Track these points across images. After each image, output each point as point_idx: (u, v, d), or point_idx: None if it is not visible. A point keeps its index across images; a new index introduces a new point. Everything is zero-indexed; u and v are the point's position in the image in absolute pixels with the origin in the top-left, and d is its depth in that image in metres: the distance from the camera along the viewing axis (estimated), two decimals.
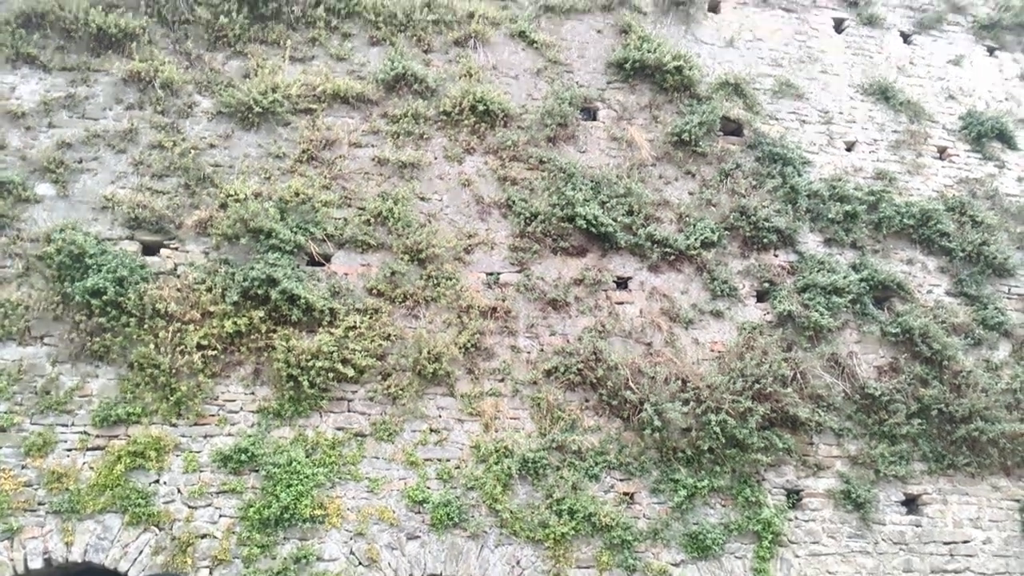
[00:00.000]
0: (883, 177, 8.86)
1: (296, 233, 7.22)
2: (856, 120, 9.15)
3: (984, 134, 9.29)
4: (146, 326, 6.67)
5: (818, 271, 8.18)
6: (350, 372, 6.88)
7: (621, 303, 7.81)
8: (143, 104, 7.46)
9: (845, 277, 8.12)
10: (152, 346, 6.60)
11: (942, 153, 9.25)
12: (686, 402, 7.22)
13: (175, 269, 7.02)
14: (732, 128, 8.81)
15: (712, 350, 7.75)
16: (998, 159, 9.34)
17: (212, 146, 7.48)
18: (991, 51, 9.94)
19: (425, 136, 7.98)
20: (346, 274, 7.32)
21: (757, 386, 7.36)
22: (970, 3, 10.05)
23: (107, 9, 7.58)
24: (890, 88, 9.28)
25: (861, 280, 8.19)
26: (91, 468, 6.39)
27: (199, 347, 6.72)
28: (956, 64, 9.74)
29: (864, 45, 9.59)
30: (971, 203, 8.88)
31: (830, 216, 8.45)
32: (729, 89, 8.89)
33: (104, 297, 6.54)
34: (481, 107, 8.06)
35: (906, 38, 9.79)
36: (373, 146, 7.85)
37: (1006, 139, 9.38)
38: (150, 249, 7.09)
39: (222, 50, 7.85)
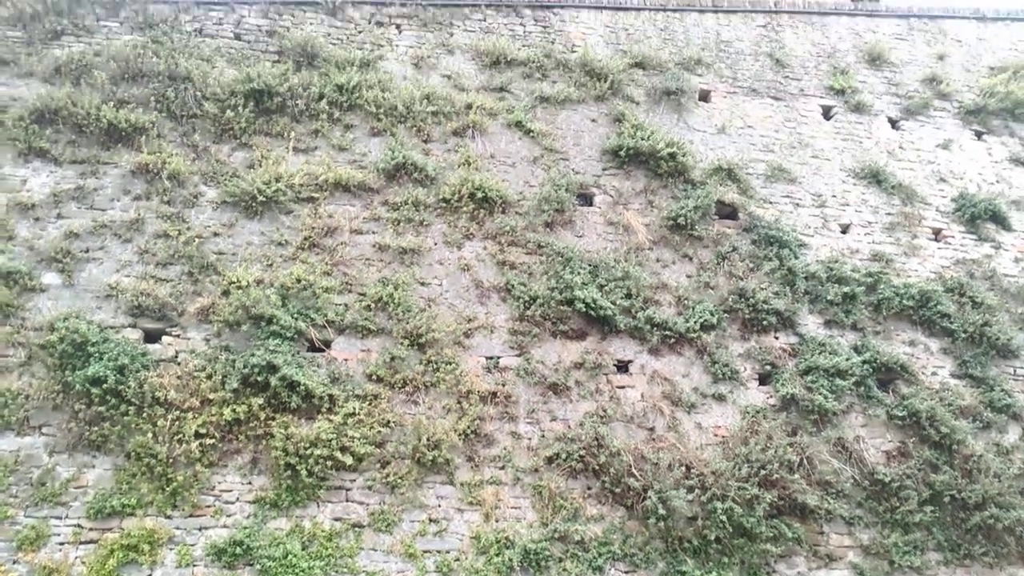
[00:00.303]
0: (880, 259, 8.94)
1: (297, 319, 7.25)
2: (850, 203, 9.30)
3: (978, 216, 9.42)
4: (145, 414, 6.62)
5: (820, 353, 8.13)
6: (348, 460, 6.78)
7: (622, 387, 7.75)
8: (150, 195, 7.63)
9: (848, 359, 8.07)
10: (150, 435, 6.54)
11: (937, 235, 9.36)
12: (691, 489, 7.07)
13: (176, 356, 7.03)
14: (727, 212, 8.95)
15: (715, 435, 7.65)
16: (993, 240, 9.44)
17: (216, 234, 7.61)
18: (979, 135, 10.20)
19: (425, 223, 8.11)
20: (346, 360, 7.31)
21: (763, 472, 7.20)
22: (955, 90, 10.38)
23: (118, 105, 7.85)
24: (881, 172, 9.47)
25: (864, 362, 8.14)
26: (83, 563, 6.23)
27: (197, 435, 6.65)
28: (945, 148, 9.97)
29: (853, 131, 9.85)
30: (970, 284, 8.92)
31: (829, 298, 8.48)
32: (723, 174, 9.08)
33: (104, 385, 6.52)
34: (480, 194, 8.22)
35: (894, 124, 10.06)
36: (374, 232, 7.97)
37: (1000, 220, 9.51)
38: (152, 336, 7.12)
39: (228, 142, 8.08)
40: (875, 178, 9.48)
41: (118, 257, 7.32)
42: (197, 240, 7.49)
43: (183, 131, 8.00)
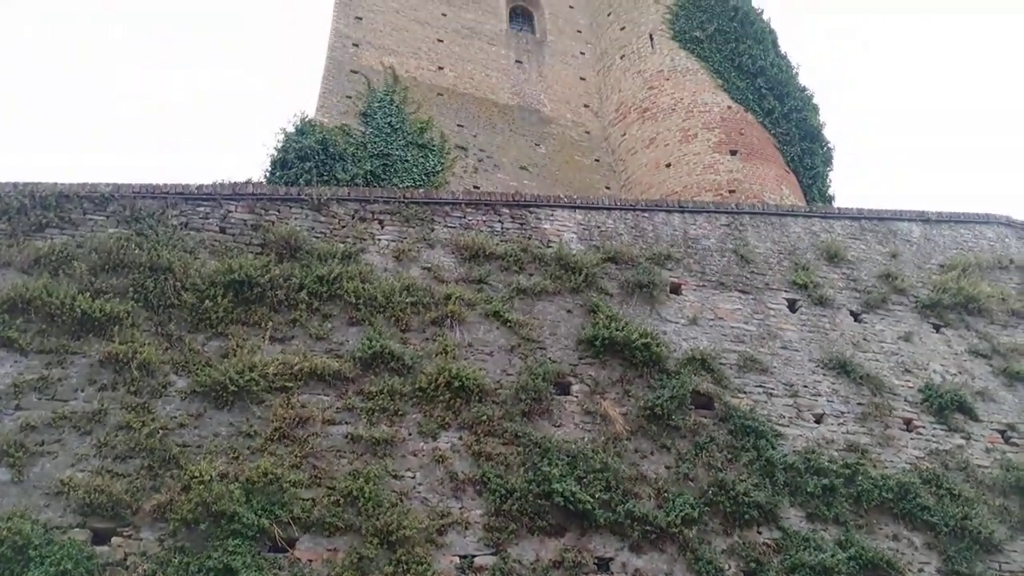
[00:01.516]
0: (855, 449, 8.91)
1: (260, 516, 6.86)
2: (821, 393, 9.41)
3: (945, 406, 9.56)
4: None
5: (804, 549, 7.87)
6: None
7: None
8: (116, 385, 7.44)
9: (833, 555, 7.81)
10: None
11: (908, 425, 9.43)
12: None
13: (125, 559, 6.53)
14: (703, 402, 8.97)
15: None
16: (963, 430, 9.52)
17: (182, 425, 7.36)
18: (937, 328, 10.59)
19: (400, 412, 7.97)
20: (311, 560, 6.86)
21: None
22: (910, 285, 10.91)
23: (95, 295, 7.85)
24: (849, 363, 9.69)
25: (849, 559, 7.86)
26: None
27: None
28: (907, 340, 10.30)
29: (818, 323, 10.18)
30: (946, 475, 8.88)
31: (809, 490, 8.34)
32: (697, 364, 9.20)
33: None
34: (456, 383, 8.17)
35: (856, 316, 10.44)
36: (347, 423, 7.79)
37: (967, 411, 9.65)
38: (101, 537, 6.63)
39: (204, 331, 8.05)
40: (843, 368, 9.67)
41: (75, 451, 6.99)
42: (161, 432, 7.22)
43: (159, 321, 7.98)
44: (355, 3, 18.96)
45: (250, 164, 19.36)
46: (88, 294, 7.82)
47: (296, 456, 7.38)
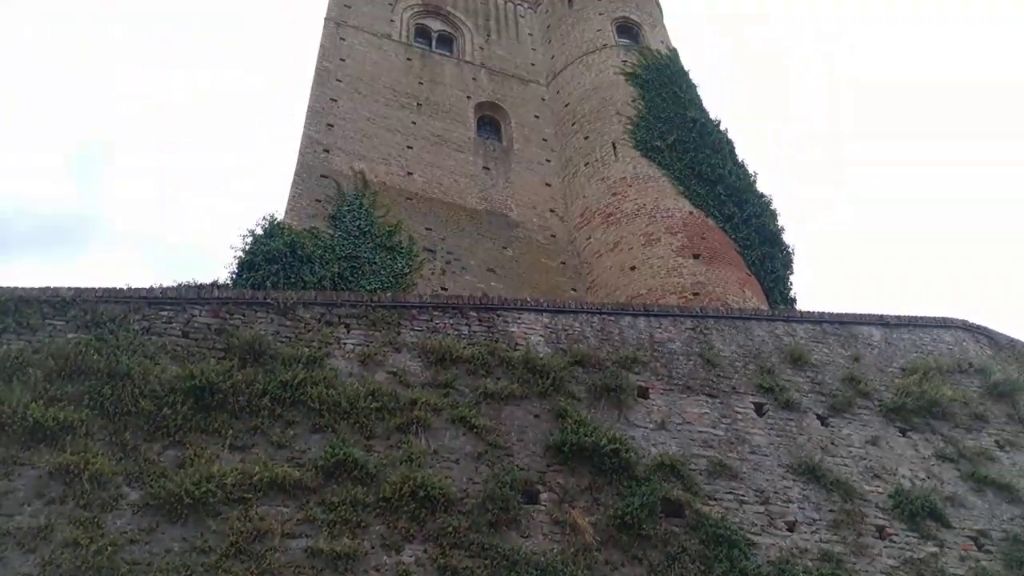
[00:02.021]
0: (830, 559, 8.73)
1: None
2: (792, 500, 9.30)
3: (916, 512, 9.47)
4: None
5: None
6: None
7: None
8: (65, 498, 7.08)
9: None
10: None
11: (881, 532, 9.30)
12: None
13: None
14: (673, 509, 8.79)
15: None
16: (936, 538, 9.40)
17: (133, 542, 6.97)
18: (903, 432, 10.63)
19: (363, 524, 7.67)
20: None
21: None
22: (874, 389, 11.02)
23: (48, 403, 7.58)
24: (818, 468, 9.63)
25: None
26: None
27: None
28: (874, 444, 10.30)
29: (786, 427, 10.17)
30: None
31: None
32: (666, 470, 9.07)
33: None
34: (422, 493, 7.93)
35: (823, 420, 10.46)
36: (307, 536, 7.46)
37: (938, 517, 9.56)
38: None
39: (161, 440, 7.77)
40: (813, 474, 9.60)
41: (18, 570, 6.57)
42: (110, 549, 6.82)
43: (114, 429, 7.69)
44: (327, 111, 19.48)
45: (216, 265, 19.30)
46: (42, 402, 7.55)
47: (252, 573, 7.01)
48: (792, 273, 18.35)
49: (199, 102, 62.14)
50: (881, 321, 12.13)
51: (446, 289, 16.64)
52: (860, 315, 12.10)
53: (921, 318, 12.50)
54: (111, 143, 58.98)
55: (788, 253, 18.62)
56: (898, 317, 12.34)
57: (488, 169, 20.58)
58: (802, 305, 17.50)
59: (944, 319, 12.70)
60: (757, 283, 17.27)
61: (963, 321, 12.73)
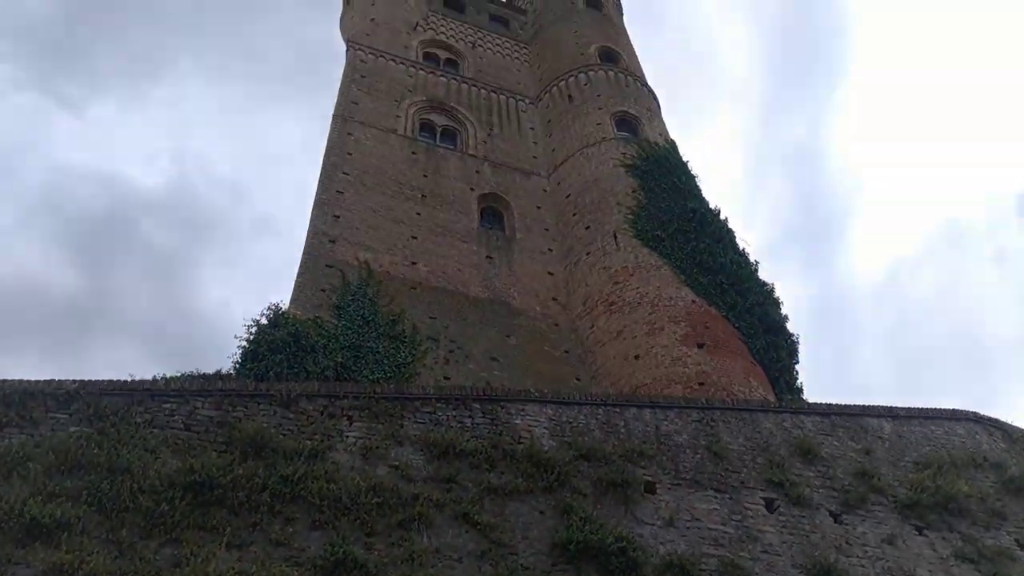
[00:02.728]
0: None
1: None
2: None
3: None
4: None
5: None
6: None
7: None
8: None
9: None
10: None
11: None
12: None
13: None
14: None
15: None
16: None
17: None
18: (919, 530, 10.29)
19: None
20: None
21: None
22: (887, 484, 10.76)
23: (47, 499, 7.43)
24: (833, 569, 9.29)
25: None
26: None
27: None
28: (891, 544, 9.98)
29: (798, 524, 9.89)
30: None
31: None
32: (676, 570, 8.78)
33: None
34: None
35: (836, 517, 10.17)
36: None
37: None
38: None
39: (157, 537, 7.57)
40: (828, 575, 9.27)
41: None
42: None
43: (111, 526, 7.50)
44: (334, 202, 19.85)
45: (219, 357, 19.24)
46: (40, 498, 7.40)
47: None
48: (797, 362, 18.25)
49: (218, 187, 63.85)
50: (891, 413, 11.97)
51: (449, 378, 16.53)
52: (869, 407, 11.96)
53: (931, 410, 12.34)
54: (124, 227, 59.88)
55: (793, 342, 18.54)
56: (908, 409, 12.18)
57: (491, 259, 20.79)
58: (809, 396, 17.32)
59: (955, 411, 12.53)
60: (763, 373, 17.14)
61: (974, 413, 12.56)
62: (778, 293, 19.43)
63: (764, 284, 19.57)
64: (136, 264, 58.55)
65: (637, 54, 30.83)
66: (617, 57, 29.00)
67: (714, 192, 63.30)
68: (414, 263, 19.36)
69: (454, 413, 10.12)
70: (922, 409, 12.28)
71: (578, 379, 18.25)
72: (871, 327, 62.53)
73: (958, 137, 73.09)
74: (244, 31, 75.69)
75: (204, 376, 11.71)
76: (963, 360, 57.73)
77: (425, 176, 22.38)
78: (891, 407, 12.09)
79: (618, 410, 10.83)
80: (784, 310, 19.13)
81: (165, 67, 71.40)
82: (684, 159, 23.57)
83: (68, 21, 68.20)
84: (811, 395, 17.68)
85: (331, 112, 23.54)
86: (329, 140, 22.06)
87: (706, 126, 70.85)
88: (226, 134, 73.67)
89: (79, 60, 67.59)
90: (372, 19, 28.63)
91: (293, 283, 17.17)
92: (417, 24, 29.68)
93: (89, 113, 68.31)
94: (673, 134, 25.86)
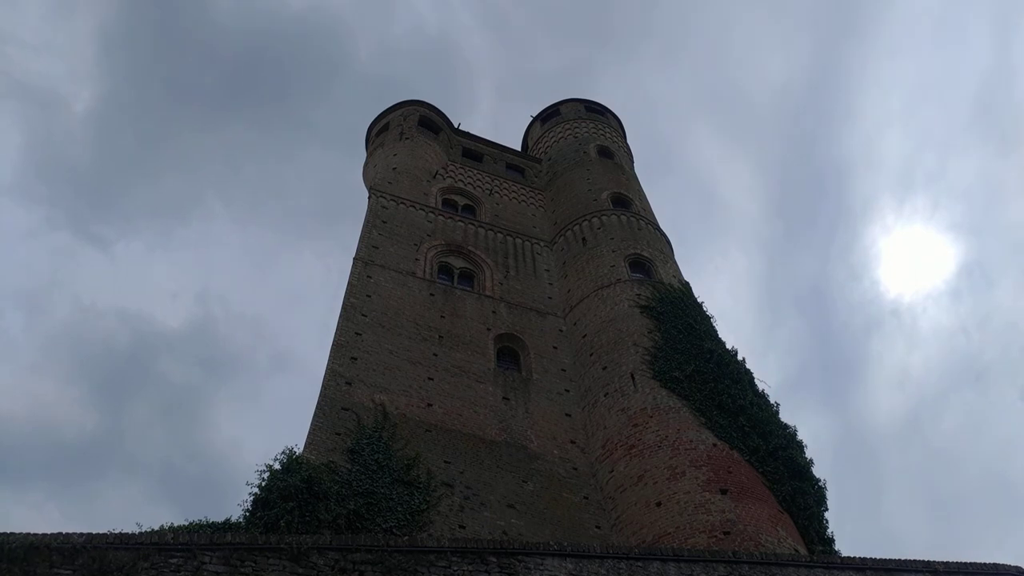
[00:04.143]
0: None
1: None
2: None
3: None
4: None
5: None
6: None
7: None
8: None
9: None
10: None
11: None
12: None
13: None
14: None
15: None
16: None
17: None
18: None
19: None
20: None
21: None
22: None
23: None
24: None
25: None
26: None
27: None
28: None
29: None
30: None
31: None
32: None
33: None
34: None
35: None
36: None
37: None
38: None
39: None
40: None
41: None
42: None
43: None
44: (352, 344, 20.00)
45: (231, 497, 18.78)
46: None
47: None
48: (826, 510, 17.50)
49: (239, 324, 64.88)
50: (929, 568, 11.33)
51: (464, 527, 15.98)
52: (906, 561, 11.34)
53: (972, 564, 11.66)
54: (143, 364, 60.31)
55: (820, 488, 17.86)
56: (947, 564, 11.52)
57: (508, 399, 20.61)
58: (841, 547, 16.50)
59: (997, 566, 11.83)
60: (790, 520, 16.43)
61: (1017, 568, 11.86)
62: (800, 435, 18.98)
63: (786, 427, 19.14)
64: (151, 401, 58.68)
65: (648, 199, 31.87)
66: (629, 202, 29.99)
67: (730, 333, 63.36)
68: (430, 404, 19.22)
69: (470, 568, 9.71)
70: (962, 564, 11.61)
71: (598, 527, 17.58)
72: (896, 469, 60.53)
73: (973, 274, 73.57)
74: (271, 172, 79.55)
75: (212, 526, 11.40)
76: (997, 506, 55.24)
77: (442, 317, 22.65)
78: (929, 561, 11.44)
79: (641, 564, 10.34)
80: (808, 453, 18.61)
81: (194, 208, 74.52)
82: (699, 300, 23.79)
83: (104, 164, 72.03)
84: (840, 544, 16.87)
85: (353, 249, 24.26)
86: (349, 282, 22.55)
87: (716, 267, 72.01)
88: (250, 271, 75.83)
89: (112, 201, 70.86)
90: (394, 168, 30.00)
91: (309, 424, 17.03)
92: (437, 172, 31.02)
93: (118, 252, 70.73)
94: (685, 276, 26.26)
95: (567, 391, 21.91)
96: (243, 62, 78.74)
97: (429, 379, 20.06)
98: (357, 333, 20.50)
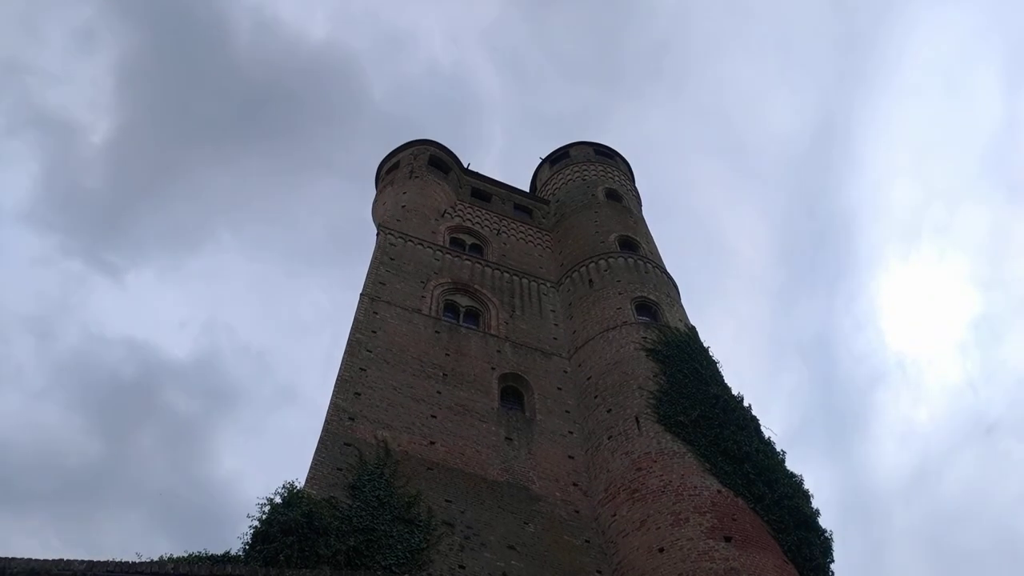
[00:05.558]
0: None
1: None
2: None
3: None
4: None
5: None
6: None
7: None
8: None
9: None
10: None
11: None
12: None
13: None
14: None
15: None
16: None
17: None
18: None
19: None
20: None
21: None
22: None
23: None
24: None
25: None
26: None
27: None
28: None
29: None
30: None
31: None
32: None
33: None
34: None
35: None
36: None
37: None
38: None
39: None
40: None
41: None
42: None
43: None
44: (356, 380, 19.93)
45: (232, 528, 18.58)
46: None
47: None
48: (833, 562, 17.21)
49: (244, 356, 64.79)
50: None
51: (464, 567, 15.75)
52: None
53: None
54: (148, 394, 60.06)
55: (826, 539, 17.59)
56: None
57: (511, 440, 20.45)
58: None
59: None
60: (796, 572, 16.14)
61: None
62: (806, 485, 18.75)
63: (793, 475, 18.93)
64: (155, 431, 58.32)
65: (656, 243, 31.98)
66: (636, 245, 30.09)
67: (736, 378, 62.99)
68: (432, 442, 19.08)
69: None
70: None
71: (599, 572, 17.32)
72: (901, 524, 59.58)
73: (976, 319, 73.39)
74: (282, 205, 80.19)
75: (212, 558, 11.26)
76: (1006, 564, 54.19)
77: (447, 355, 22.60)
78: None
79: None
80: (814, 503, 18.36)
81: (205, 238, 75.00)
82: (705, 345, 23.71)
83: (118, 194, 72.73)
84: None
85: (360, 284, 24.31)
86: (355, 318, 22.56)
87: (722, 312, 71.94)
88: (257, 302, 76.03)
89: (125, 230, 71.35)
90: (403, 206, 30.23)
91: (310, 458, 16.90)
92: (445, 211, 31.25)
93: (128, 280, 71.03)
94: (692, 320, 26.22)
95: (571, 433, 21.73)
96: (258, 96, 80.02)
97: (432, 417, 19.94)
98: (362, 369, 20.45)
